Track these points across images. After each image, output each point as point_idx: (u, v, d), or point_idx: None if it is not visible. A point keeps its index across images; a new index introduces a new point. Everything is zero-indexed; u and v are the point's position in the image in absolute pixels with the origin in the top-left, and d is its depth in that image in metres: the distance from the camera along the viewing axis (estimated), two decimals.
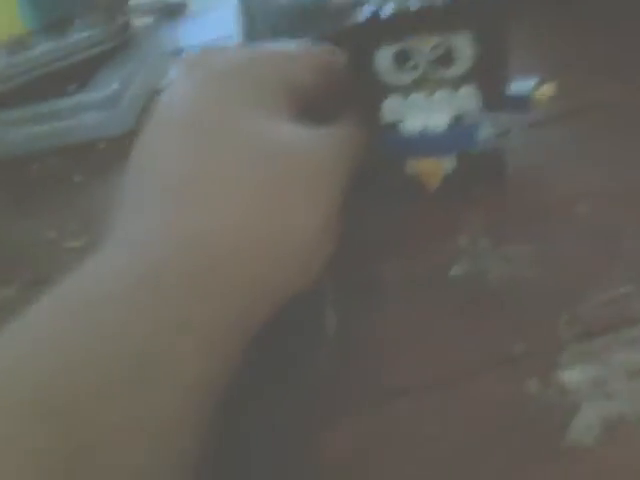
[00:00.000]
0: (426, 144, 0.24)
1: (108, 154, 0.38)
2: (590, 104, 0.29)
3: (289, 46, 0.25)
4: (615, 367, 0.19)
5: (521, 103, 0.24)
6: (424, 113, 0.24)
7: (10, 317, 0.18)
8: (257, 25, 0.38)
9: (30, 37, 0.43)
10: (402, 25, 0.23)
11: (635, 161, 0.25)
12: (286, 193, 0.19)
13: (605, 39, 0.33)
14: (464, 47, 0.23)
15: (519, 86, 0.24)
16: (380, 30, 0.23)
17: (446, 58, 0.23)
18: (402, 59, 0.23)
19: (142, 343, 0.16)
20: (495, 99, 0.23)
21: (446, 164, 0.24)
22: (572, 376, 0.19)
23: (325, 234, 0.20)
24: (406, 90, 0.24)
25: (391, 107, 0.24)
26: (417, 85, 0.24)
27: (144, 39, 0.43)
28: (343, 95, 0.25)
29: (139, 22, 0.44)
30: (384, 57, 0.23)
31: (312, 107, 0.23)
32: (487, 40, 0.22)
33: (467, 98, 0.23)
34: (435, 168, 0.25)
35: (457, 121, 0.24)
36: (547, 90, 0.24)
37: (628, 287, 0.21)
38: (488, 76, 0.23)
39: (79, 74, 0.40)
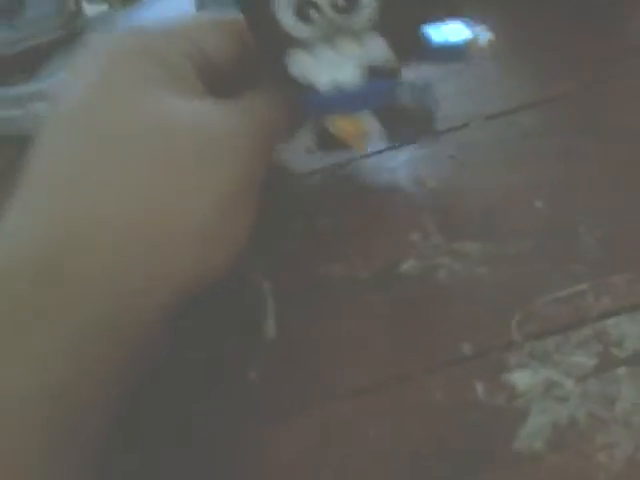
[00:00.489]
0: (340, 101, 0.22)
1: None
2: (547, 97, 0.28)
3: (196, 17, 0.24)
4: (566, 369, 0.18)
5: (452, 52, 0.22)
6: (333, 67, 0.22)
7: None
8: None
9: None
10: None
11: (591, 156, 0.24)
12: (171, 175, 0.18)
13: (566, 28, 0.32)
14: None
15: (451, 33, 0.22)
16: None
17: (350, 4, 0.21)
18: (304, 9, 0.21)
19: None
20: (410, 48, 0.21)
21: (366, 122, 0.23)
22: (522, 378, 0.18)
23: (225, 215, 0.19)
24: (312, 43, 0.21)
25: (298, 63, 0.22)
26: (323, 37, 0.21)
27: (97, 27, 0.42)
28: (254, 61, 0.23)
29: (92, 10, 0.42)
30: (284, 6, 0.21)
31: (226, 77, 0.22)
32: None
33: (376, 48, 0.21)
34: (355, 127, 0.23)
35: (371, 74, 0.21)
36: (483, 40, 0.23)
37: (582, 285, 0.20)
38: (396, 22, 0.21)
39: (28, 63, 0.39)
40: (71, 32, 0.39)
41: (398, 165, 0.25)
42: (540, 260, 0.21)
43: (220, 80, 0.22)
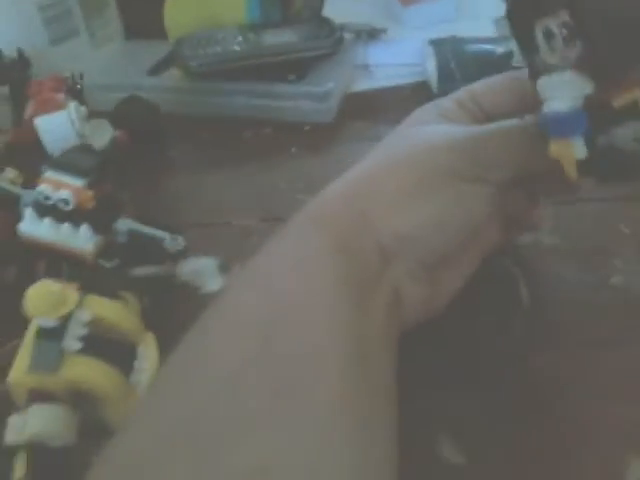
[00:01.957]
0: (554, 124, 0.23)
1: (313, 136, 0.48)
2: None
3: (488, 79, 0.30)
4: None
5: None
6: (559, 92, 0.23)
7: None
8: (451, 69, 0.48)
9: (255, 29, 0.53)
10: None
11: None
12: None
13: None
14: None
15: None
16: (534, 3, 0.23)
17: (571, 37, 0.22)
18: (549, 37, 0.23)
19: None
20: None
21: (577, 150, 0.23)
22: None
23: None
24: (554, 69, 0.23)
25: (543, 85, 0.24)
26: (560, 64, 0.23)
27: (348, 51, 0.53)
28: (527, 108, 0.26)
29: (346, 37, 0.53)
30: (539, 34, 0.23)
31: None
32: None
33: (584, 83, 0.22)
34: (567, 153, 0.24)
35: (587, 105, 0.22)
36: None
37: None
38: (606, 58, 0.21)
39: (297, 67, 0.50)
40: (333, 51, 0.51)
41: None
42: None
43: (498, 114, 0.28)
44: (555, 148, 0.24)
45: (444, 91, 0.48)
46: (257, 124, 0.49)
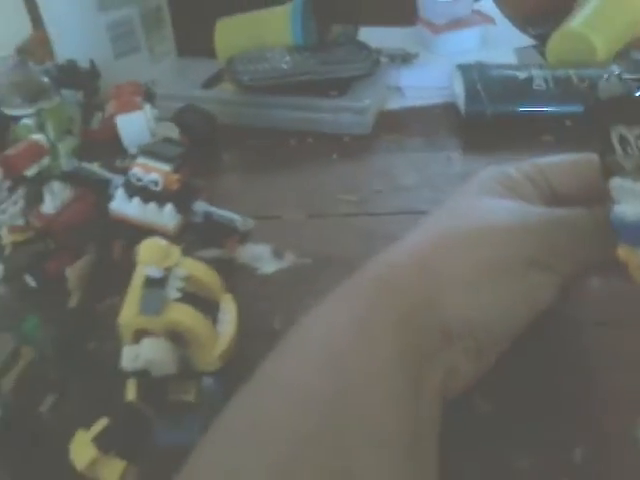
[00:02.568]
0: (624, 231, 0.24)
1: (351, 145, 0.53)
2: None
3: (557, 158, 0.29)
4: None
5: None
6: (629, 200, 0.24)
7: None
8: (477, 90, 0.54)
9: (300, 51, 0.58)
10: (621, 110, 0.23)
11: None
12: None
13: None
14: None
15: None
16: (614, 109, 0.24)
17: None
18: (623, 143, 0.24)
19: None
20: None
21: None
22: None
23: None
24: (625, 173, 0.24)
25: (617, 189, 0.24)
26: (632, 172, 0.24)
27: (383, 73, 0.59)
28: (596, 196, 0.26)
29: (382, 60, 0.59)
30: (615, 139, 0.24)
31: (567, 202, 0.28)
32: None
33: None
34: (633, 259, 0.24)
35: None
36: None
37: None
38: None
39: (338, 85, 0.56)
40: (370, 72, 0.57)
41: None
42: None
43: (560, 199, 0.28)
44: (623, 253, 0.24)
45: (472, 110, 0.53)
46: (301, 134, 0.55)
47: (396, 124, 0.57)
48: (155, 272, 0.27)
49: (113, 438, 0.25)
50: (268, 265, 0.40)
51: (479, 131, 0.53)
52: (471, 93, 0.54)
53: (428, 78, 0.60)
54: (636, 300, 0.35)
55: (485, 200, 0.27)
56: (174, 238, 0.35)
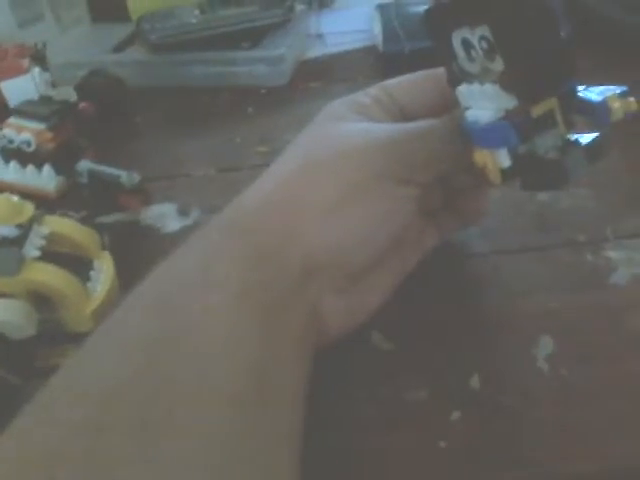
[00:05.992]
0: (479, 135, 0.24)
1: (268, 98, 0.51)
2: None
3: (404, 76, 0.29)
4: None
5: (594, 111, 0.23)
6: (479, 104, 0.24)
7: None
8: (395, 29, 0.51)
9: (211, 4, 0.56)
10: (462, 11, 0.23)
11: None
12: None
13: None
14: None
15: (595, 92, 0.23)
16: (454, 12, 0.23)
17: (490, 50, 0.22)
18: (467, 47, 0.23)
19: None
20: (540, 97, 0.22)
21: (501, 159, 0.24)
22: None
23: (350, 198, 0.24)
24: (474, 79, 0.24)
25: (463, 93, 0.24)
26: (480, 75, 0.23)
27: (298, 20, 0.56)
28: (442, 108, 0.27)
29: (298, 7, 0.57)
30: (458, 42, 0.23)
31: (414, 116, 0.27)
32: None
33: (507, 97, 0.22)
34: (490, 161, 0.24)
35: (507, 117, 0.23)
36: (630, 103, 0.23)
37: None
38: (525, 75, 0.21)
39: (251, 36, 0.53)
40: (285, 20, 0.54)
41: None
42: None
43: (413, 114, 0.27)
44: (479, 157, 0.24)
45: (390, 51, 0.51)
46: (216, 90, 0.52)
47: (317, 72, 0.54)
48: (7, 230, 0.25)
49: None
50: (173, 223, 0.39)
51: (400, 70, 0.51)
52: (388, 32, 0.52)
53: (349, 22, 0.58)
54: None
55: (339, 125, 0.26)
56: (58, 201, 0.33)
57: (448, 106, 0.26)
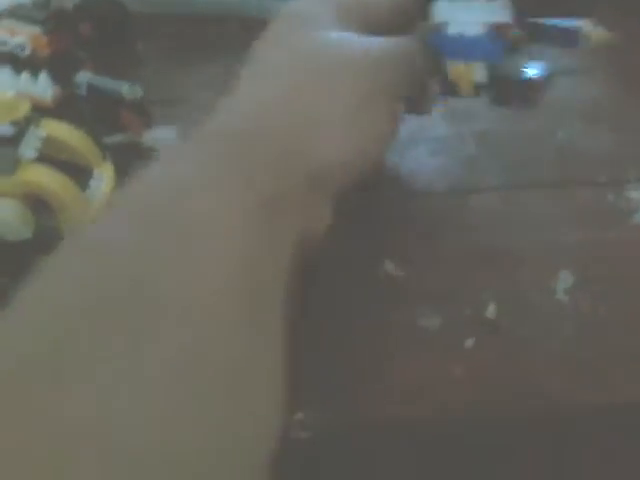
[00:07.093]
0: (460, 48, 0.24)
1: None
2: None
3: None
4: None
5: (569, 36, 0.25)
6: (464, 18, 0.24)
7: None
8: None
9: None
10: None
11: None
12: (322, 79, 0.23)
13: None
14: None
15: (571, 22, 0.25)
16: None
17: None
18: None
19: None
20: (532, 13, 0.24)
21: (477, 74, 0.25)
22: None
23: (350, 127, 0.23)
24: None
25: (439, 9, 0.25)
26: None
27: None
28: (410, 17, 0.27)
29: None
30: None
31: (384, 25, 0.27)
32: None
33: (500, 10, 0.24)
34: (466, 74, 0.25)
35: (491, 32, 0.24)
36: (602, 34, 0.25)
37: None
38: None
39: None
40: None
41: None
42: None
43: (379, 27, 0.26)
44: (454, 71, 0.25)
45: None
46: (223, 20, 0.50)
47: None
48: (2, 129, 0.24)
49: None
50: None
51: None
52: None
53: None
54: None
55: (327, 35, 0.24)
56: (55, 112, 0.31)
57: (416, 21, 0.26)
